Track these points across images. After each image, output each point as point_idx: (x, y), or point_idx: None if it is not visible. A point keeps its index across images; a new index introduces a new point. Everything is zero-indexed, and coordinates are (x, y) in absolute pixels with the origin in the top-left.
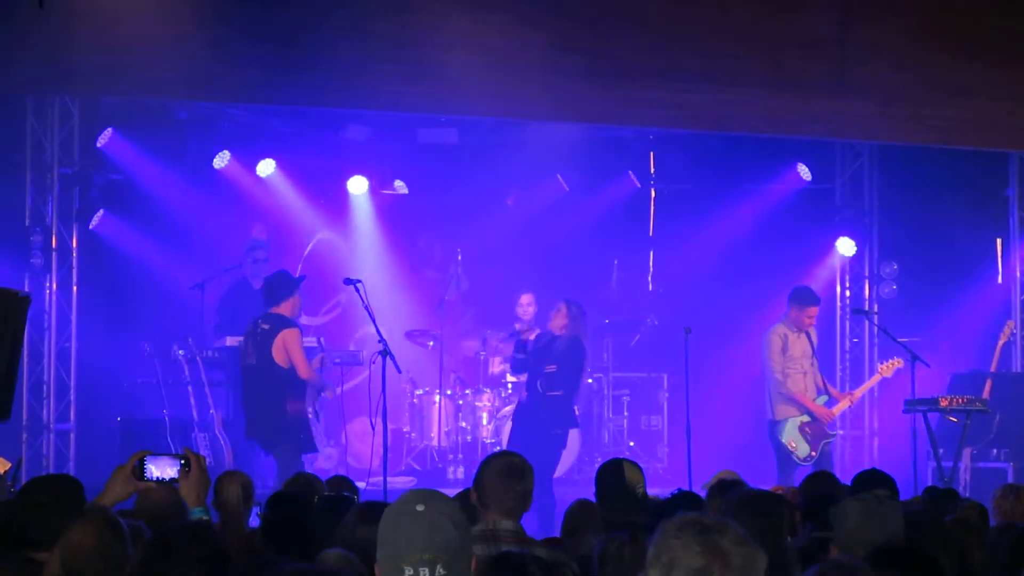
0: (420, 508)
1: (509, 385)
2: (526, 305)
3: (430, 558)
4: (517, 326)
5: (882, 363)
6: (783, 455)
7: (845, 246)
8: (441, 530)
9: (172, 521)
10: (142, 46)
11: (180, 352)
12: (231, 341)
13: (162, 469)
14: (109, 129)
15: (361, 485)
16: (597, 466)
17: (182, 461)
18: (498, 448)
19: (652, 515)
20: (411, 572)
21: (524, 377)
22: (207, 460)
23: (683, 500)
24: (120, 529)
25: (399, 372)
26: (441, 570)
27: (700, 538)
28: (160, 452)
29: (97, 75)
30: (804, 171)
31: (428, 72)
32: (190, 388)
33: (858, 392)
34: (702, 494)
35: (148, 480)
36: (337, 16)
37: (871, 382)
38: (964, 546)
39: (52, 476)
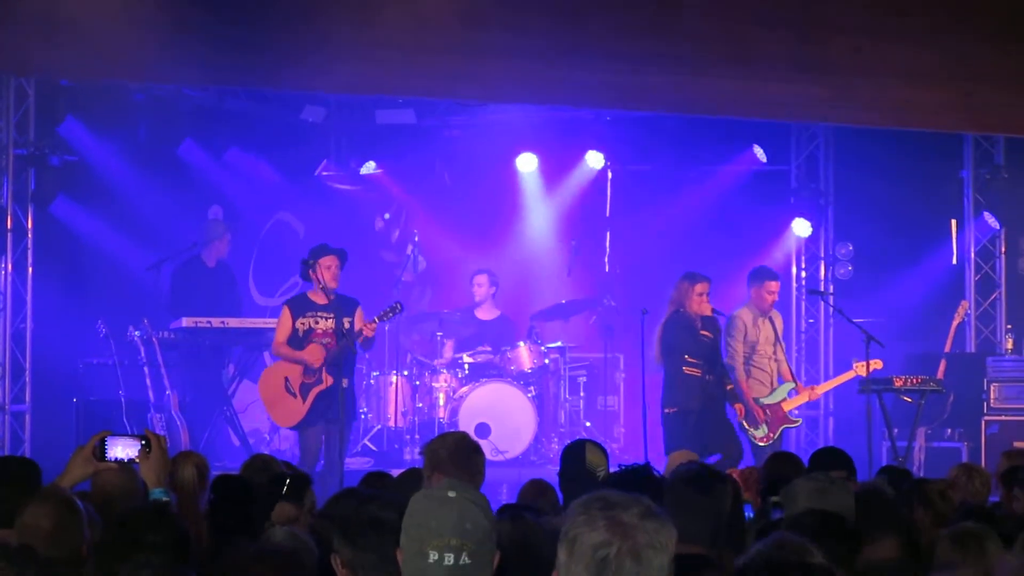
0: (452, 495)
1: (466, 366)
2: (479, 285)
3: (457, 544)
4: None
5: (859, 360)
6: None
7: (800, 227)
8: (471, 518)
9: (124, 503)
10: (96, 27)
11: (136, 333)
12: (187, 322)
13: (123, 449)
14: (67, 113)
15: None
16: (553, 447)
17: (143, 442)
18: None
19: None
20: (436, 556)
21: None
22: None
23: (632, 474)
24: (76, 510)
25: (355, 354)
26: (466, 558)
27: (604, 513)
28: (121, 432)
29: (50, 57)
30: (760, 152)
31: (385, 55)
32: (146, 369)
33: (820, 388)
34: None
35: (109, 460)
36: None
37: (842, 378)
38: (918, 524)
39: (8, 458)
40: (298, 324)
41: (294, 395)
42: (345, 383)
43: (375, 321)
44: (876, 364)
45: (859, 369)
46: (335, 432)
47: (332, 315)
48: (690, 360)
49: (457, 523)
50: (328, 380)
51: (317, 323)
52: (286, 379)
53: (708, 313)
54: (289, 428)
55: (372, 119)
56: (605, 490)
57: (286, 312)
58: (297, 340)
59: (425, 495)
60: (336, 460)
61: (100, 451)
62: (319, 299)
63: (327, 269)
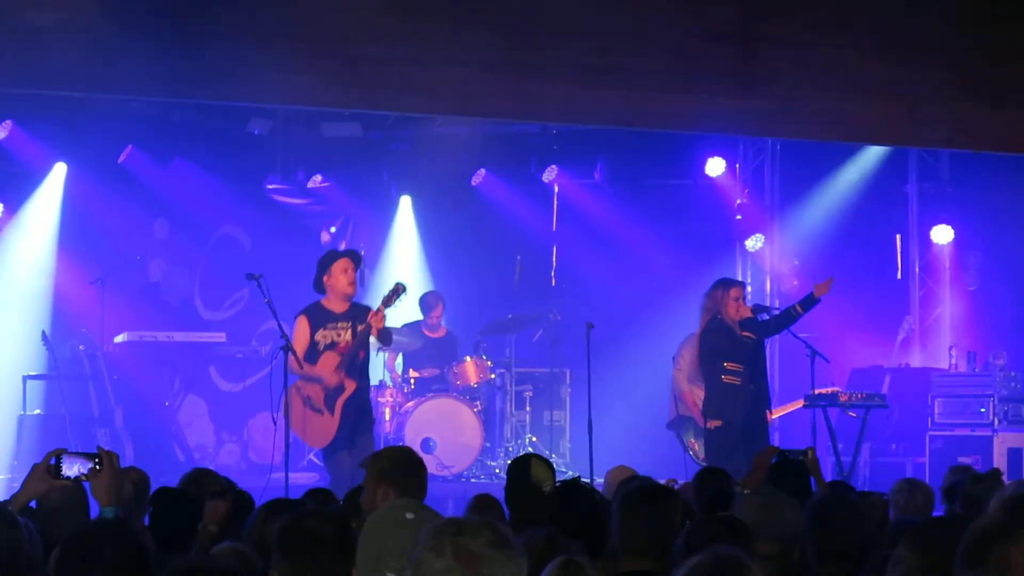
0: (410, 516)
1: (412, 381)
2: (436, 309)
3: None
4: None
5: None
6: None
7: (749, 241)
8: None
9: (69, 520)
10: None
11: (80, 347)
12: (132, 336)
13: (77, 467)
14: (8, 122)
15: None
16: (499, 462)
17: (96, 459)
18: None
19: (546, 509)
20: None
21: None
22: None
23: (570, 492)
24: (16, 525)
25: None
26: None
27: (451, 539)
28: (75, 451)
29: None
30: (715, 166)
31: (336, 67)
32: (90, 383)
33: (777, 412)
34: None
35: (64, 478)
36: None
37: (792, 406)
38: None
39: None
40: (318, 336)
41: (320, 411)
42: (360, 384)
43: (382, 309)
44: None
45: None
46: (364, 444)
47: (350, 324)
48: (729, 367)
49: (415, 545)
50: (351, 386)
51: (339, 335)
52: (308, 398)
53: (748, 315)
54: (322, 449)
55: (318, 132)
56: (470, 516)
57: (304, 322)
58: (316, 354)
59: (383, 516)
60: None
61: (56, 469)
62: (335, 307)
63: (343, 273)
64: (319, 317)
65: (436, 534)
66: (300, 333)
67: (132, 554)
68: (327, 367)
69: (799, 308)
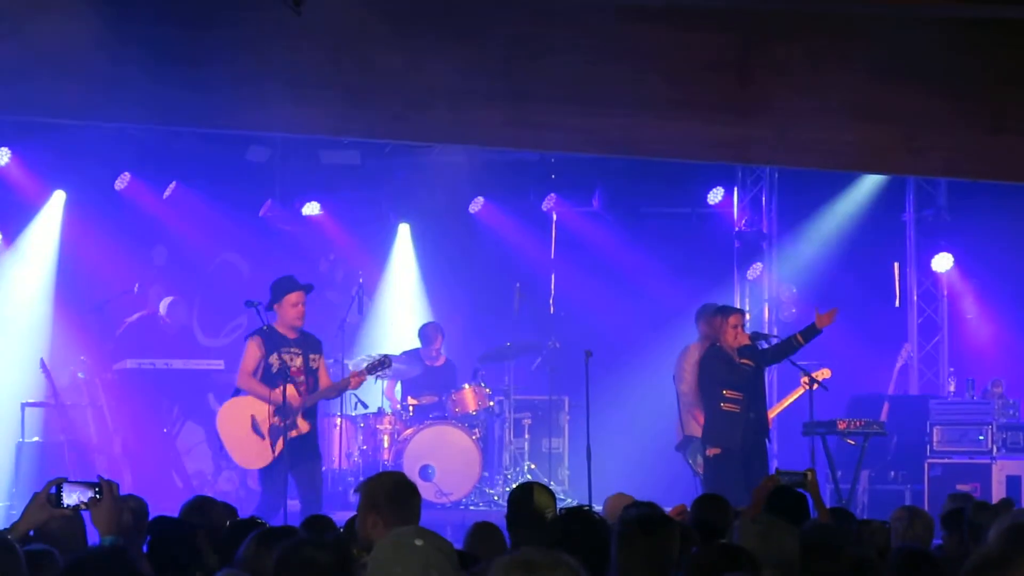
0: (419, 543)
1: (411, 408)
2: (436, 342)
3: None
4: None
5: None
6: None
7: (751, 271)
8: (438, 566)
9: (66, 549)
10: (38, 63)
11: (79, 375)
12: (131, 363)
13: (77, 496)
14: (7, 150)
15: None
16: (497, 489)
17: (96, 488)
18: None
19: (548, 535)
20: None
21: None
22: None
23: (573, 518)
24: (14, 553)
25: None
26: None
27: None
28: (75, 480)
29: None
30: (714, 194)
31: (326, 96)
32: (89, 411)
33: (772, 411)
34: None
35: (64, 507)
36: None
37: (792, 396)
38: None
39: None
40: (272, 359)
41: (262, 436)
42: (312, 425)
43: (364, 375)
44: (824, 373)
45: (807, 383)
46: (309, 472)
47: (300, 351)
48: (728, 395)
49: (423, 572)
50: (304, 427)
51: (292, 360)
52: (253, 418)
53: (746, 342)
54: (251, 469)
55: (317, 159)
56: (527, 549)
57: (256, 343)
58: (270, 376)
59: (392, 543)
60: (318, 499)
61: (56, 498)
62: (287, 333)
63: (293, 307)
64: (272, 341)
65: (510, 571)
66: (251, 354)
67: None
68: (293, 398)
69: (800, 338)
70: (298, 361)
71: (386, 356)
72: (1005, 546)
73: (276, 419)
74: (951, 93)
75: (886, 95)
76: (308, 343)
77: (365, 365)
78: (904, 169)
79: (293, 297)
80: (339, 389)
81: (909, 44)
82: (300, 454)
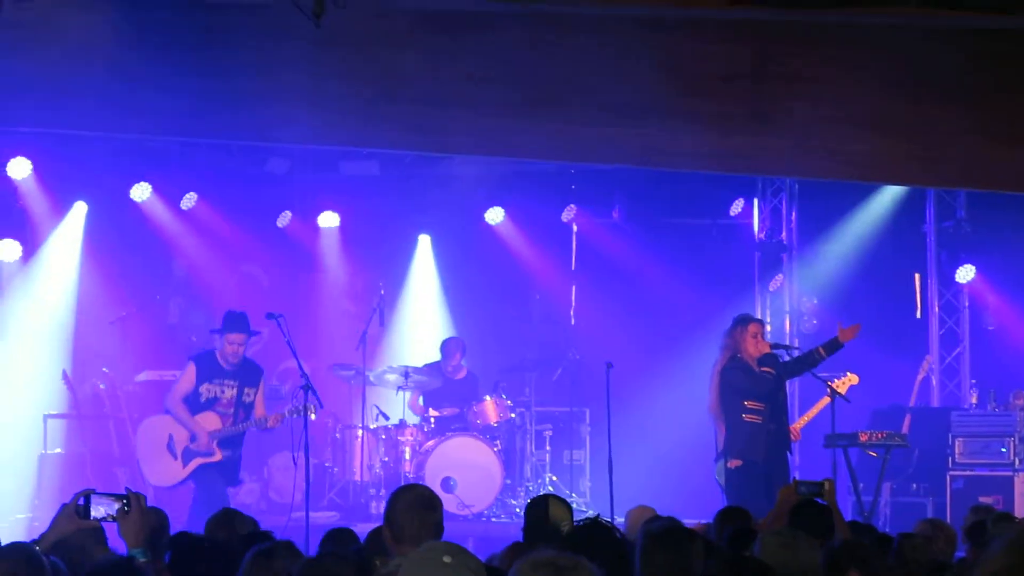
0: (447, 560)
1: (432, 420)
2: (456, 358)
3: None
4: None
5: (832, 380)
6: None
7: (772, 283)
8: None
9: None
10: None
11: (101, 386)
12: (151, 375)
13: (104, 508)
14: (28, 161)
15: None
16: (519, 501)
17: (124, 501)
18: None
19: (566, 546)
20: None
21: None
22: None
23: (590, 530)
24: (39, 564)
25: (321, 407)
26: None
27: None
28: (103, 492)
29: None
30: (734, 205)
31: (348, 106)
32: (111, 423)
33: (799, 423)
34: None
35: (92, 519)
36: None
37: (819, 405)
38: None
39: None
40: (203, 389)
41: (175, 456)
42: (229, 453)
43: (283, 416)
44: (852, 379)
45: (838, 386)
46: (207, 492)
47: (236, 383)
48: (750, 406)
49: None
50: (217, 455)
51: (223, 392)
52: (171, 436)
53: (767, 351)
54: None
55: (336, 170)
56: (550, 552)
57: (192, 370)
58: (197, 404)
59: (420, 559)
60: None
61: (84, 509)
62: (224, 363)
63: (231, 344)
64: (208, 370)
65: (533, 570)
66: (186, 378)
67: None
68: (204, 427)
69: (822, 351)
70: (230, 393)
71: (306, 405)
72: (1009, 559)
73: (192, 444)
74: (966, 103)
75: (901, 105)
76: (246, 375)
77: (287, 409)
78: (919, 180)
79: (234, 337)
80: (257, 424)
81: (925, 54)
82: (209, 477)
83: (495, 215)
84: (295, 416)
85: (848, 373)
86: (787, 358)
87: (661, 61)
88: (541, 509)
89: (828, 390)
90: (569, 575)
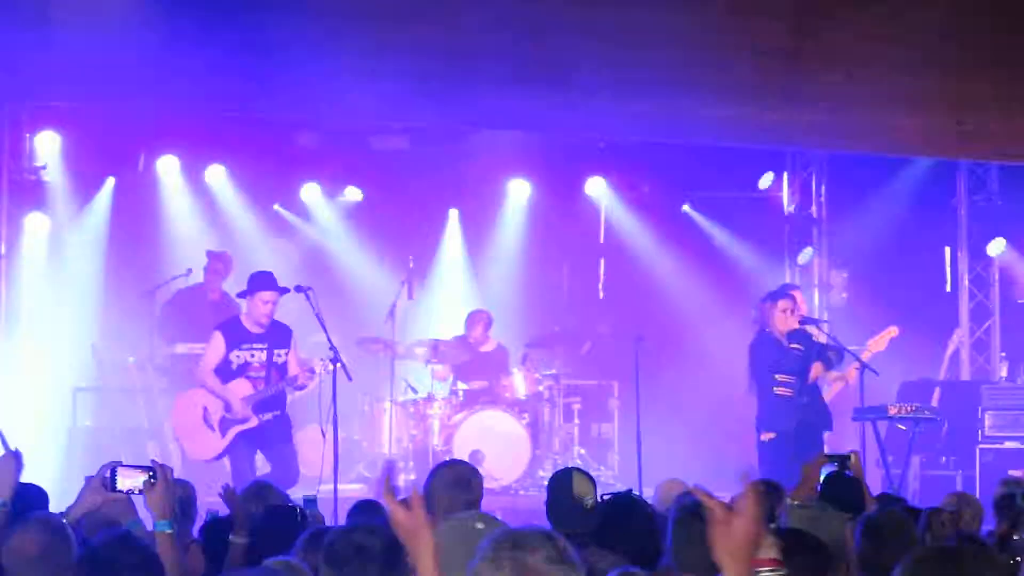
0: (480, 526)
1: (461, 393)
2: (479, 328)
3: None
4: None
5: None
6: None
7: (802, 256)
8: None
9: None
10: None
11: (131, 359)
12: (181, 348)
13: (131, 481)
14: (57, 135)
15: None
16: (548, 474)
17: (150, 473)
18: (448, 456)
19: (588, 522)
20: None
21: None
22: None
23: (619, 504)
24: (65, 536)
25: (349, 380)
26: None
27: (510, 554)
28: (129, 464)
29: (41, 78)
30: (764, 178)
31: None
32: (140, 396)
33: (851, 373)
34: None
35: (118, 491)
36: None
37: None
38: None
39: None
40: (232, 356)
41: (212, 428)
42: (270, 416)
43: (311, 373)
44: (892, 332)
45: (873, 345)
46: (276, 454)
47: (266, 346)
48: (780, 379)
49: None
50: (254, 420)
51: (253, 356)
52: (205, 409)
53: (796, 327)
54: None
55: (366, 145)
56: (520, 528)
57: (219, 338)
58: (229, 372)
59: (452, 527)
60: (285, 477)
61: (111, 482)
62: (253, 327)
63: (263, 303)
64: (235, 336)
65: (494, 550)
66: (214, 348)
67: (142, 558)
68: (237, 394)
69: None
70: (260, 356)
71: (339, 362)
72: None
73: (228, 413)
74: (1001, 77)
75: (936, 79)
76: (275, 337)
77: (316, 363)
78: (954, 153)
79: (265, 295)
80: (289, 383)
81: (959, 27)
82: (248, 446)
83: (523, 188)
84: (327, 373)
85: (890, 327)
86: (815, 335)
87: (694, 36)
88: (565, 483)
89: (866, 350)
90: (526, 552)
